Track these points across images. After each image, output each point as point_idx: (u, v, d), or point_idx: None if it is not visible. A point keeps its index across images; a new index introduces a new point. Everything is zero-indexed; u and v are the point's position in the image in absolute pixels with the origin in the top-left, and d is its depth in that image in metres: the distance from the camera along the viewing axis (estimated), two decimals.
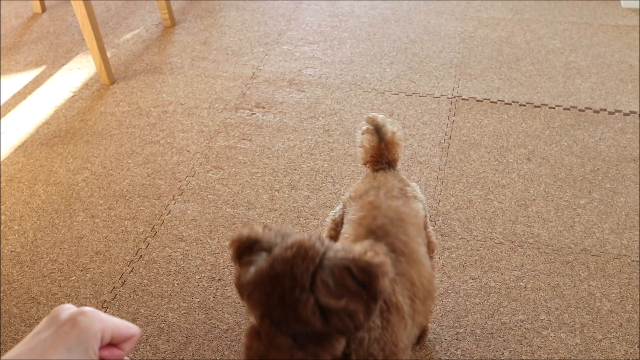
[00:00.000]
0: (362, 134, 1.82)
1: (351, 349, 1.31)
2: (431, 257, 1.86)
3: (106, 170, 2.86)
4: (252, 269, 1.18)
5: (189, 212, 2.60)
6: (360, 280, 1.14)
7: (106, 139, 3.06)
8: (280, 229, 1.26)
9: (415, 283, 1.50)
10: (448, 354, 2.03)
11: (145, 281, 2.32)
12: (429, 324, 2.05)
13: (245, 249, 1.24)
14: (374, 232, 1.54)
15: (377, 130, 1.80)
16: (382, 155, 1.81)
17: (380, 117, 1.81)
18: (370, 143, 1.80)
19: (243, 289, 1.19)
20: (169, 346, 2.09)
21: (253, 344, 1.17)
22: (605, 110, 3.13)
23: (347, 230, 1.62)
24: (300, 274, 1.13)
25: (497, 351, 2.04)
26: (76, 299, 2.26)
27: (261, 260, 1.18)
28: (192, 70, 3.57)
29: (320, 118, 3.13)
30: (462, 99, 3.22)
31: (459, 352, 2.04)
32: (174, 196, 2.69)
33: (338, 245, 1.21)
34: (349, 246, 1.21)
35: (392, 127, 1.82)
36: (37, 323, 2.15)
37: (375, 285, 1.15)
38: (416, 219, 1.65)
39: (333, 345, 1.18)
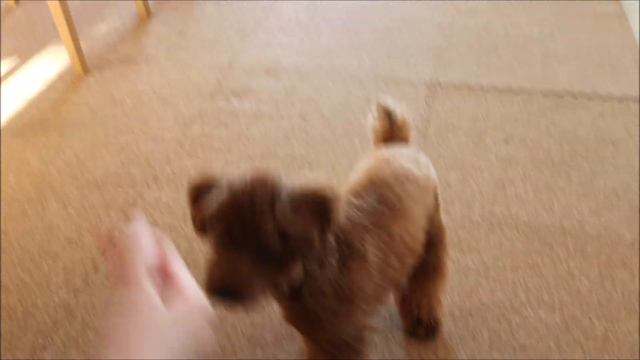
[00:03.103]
0: (374, 119, 1.80)
1: (304, 282, 1.37)
2: (441, 244, 1.88)
3: (79, 160, 2.81)
4: (215, 203, 1.22)
5: (163, 199, 2.56)
6: (316, 210, 1.24)
7: (80, 129, 3.01)
8: (235, 173, 1.30)
9: (395, 238, 1.51)
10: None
11: None
12: (442, 320, 2.00)
13: (202, 189, 1.29)
14: (374, 181, 1.56)
15: (388, 115, 1.78)
16: (394, 137, 1.79)
17: (389, 102, 1.80)
18: (382, 127, 1.79)
19: (206, 222, 1.24)
20: None
21: (214, 269, 1.22)
22: (583, 95, 3.11)
23: (352, 176, 1.65)
24: (260, 202, 1.19)
25: (476, 331, 2.01)
26: (47, 287, 2.21)
27: (221, 194, 1.23)
28: (167, 60, 3.52)
29: (297, 105, 3.10)
30: (440, 85, 3.20)
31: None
32: (148, 184, 2.64)
33: (295, 181, 1.29)
34: (305, 181, 1.28)
35: (400, 111, 1.80)
36: (7, 312, 2.11)
37: (328, 215, 1.24)
38: (424, 183, 1.65)
39: (289, 269, 1.27)
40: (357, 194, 1.53)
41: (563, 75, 3.27)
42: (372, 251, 1.46)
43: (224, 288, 1.20)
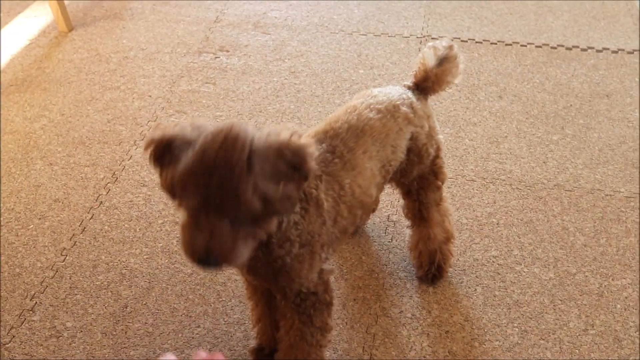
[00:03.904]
0: (429, 48, 1.74)
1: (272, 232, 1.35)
2: (439, 188, 1.87)
3: (65, 117, 2.75)
4: (183, 163, 1.16)
5: None
6: (292, 162, 1.19)
7: (64, 86, 2.94)
8: (193, 123, 1.23)
9: (345, 188, 1.51)
10: (419, 292, 1.98)
11: (106, 227, 2.24)
12: (449, 267, 2.00)
13: (164, 148, 1.21)
14: (327, 131, 1.55)
15: (442, 57, 1.73)
16: (423, 79, 1.75)
17: (456, 53, 1.75)
18: (426, 61, 1.74)
19: (175, 183, 1.18)
20: (132, 292, 2.02)
21: (195, 235, 1.17)
22: (577, 47, 3.06)
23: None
24: (236, 160, 1.13)
25: (469, 287, 1.98)
26: (34, 247, 2.17)
27: (189, 153, 1.16)
28: (153, 15, 3.44)
29: (286, 60, 3.04)
30: (432, 38, 3.14)
31: (430, 289, 1.99)
32: (135, 141, 2.59)
33: (263, 130, 1.22)
34: (274, 130, 1.22)
35: (453, 66, 1.75)
36: None
37: (305, 165, 1.21)
38: (385, 137, 1.60)
39: (268, 223, 1.24)
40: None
41: (557, 27, 3.21)
42: (325, 198, 1.46)
43: (210, 256, 1.17)
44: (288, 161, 1.19)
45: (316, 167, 1.26)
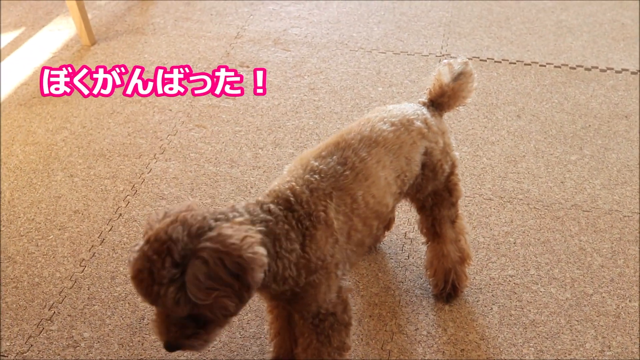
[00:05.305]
0: (445, 65, 1.77)
1: (268, 279, 1.35)
2: (454, 204, 1.87)
3: (86, 129, 2.79)
4: (128, 266, 1.23)
5: (170, 170, 2.53)
6: (234, 272, 1.16)
7: (86, 99, 2.98)
8: (165, 211, 1.26)
9: (357, 200, 1.50)
10: (435, 310, 1.98)
11: (125, 239, 2.26)
12: (465, 286, 2.00)
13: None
14: (338, 142, 1.56)
15: (457, 73, 1.76)
16: (439, 94, 1.77)
17: (472, 69, 1.79)
18: (442, 78, 1.76)
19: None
20: None
21: (154, 327, 1.26)
22: (597, 67, 3.07)
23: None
24: (157, 270, 1.15)
25: (485, 306, 1.98)
26: (53, 257, 2.20)
27: (133, 255, 1.21)
28: (175, 30, 3.48)
29: (305, 77, 3.06)
30: (451, 57, 3.15)
31: (446, 307, 1.99)
32: (155, 155, 2.62)
33: (217, 228, 1.21)
34: (225, 232, 1.19)
35: (469, 82, 1.78)
36: (13, 282, 2.09)
37: (247, 277, 1.17)
38: (399, 148, 1.61)
39: (213, 329, 1.29)
40: (319, 156, 1.53)
41: (576, 47, 3.22)
42: (335, 216, 1.45)
43: (168, 346, 1.25)
44: (229, 270, 1.17)
45: (261, 278, 1.23)
